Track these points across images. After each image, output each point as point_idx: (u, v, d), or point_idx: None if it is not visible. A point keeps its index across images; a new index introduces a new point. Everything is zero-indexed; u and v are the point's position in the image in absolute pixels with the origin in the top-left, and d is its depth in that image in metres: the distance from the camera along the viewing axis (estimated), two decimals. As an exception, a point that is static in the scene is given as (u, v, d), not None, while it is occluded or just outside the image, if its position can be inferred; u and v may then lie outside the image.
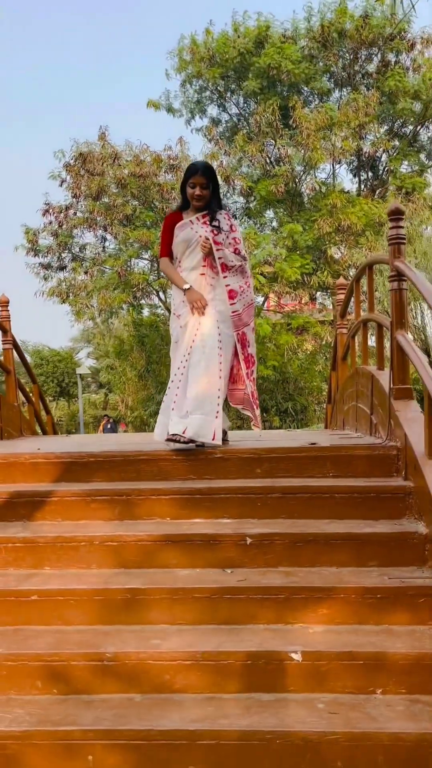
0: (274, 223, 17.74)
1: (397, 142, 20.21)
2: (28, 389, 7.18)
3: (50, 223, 18.00)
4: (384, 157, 20.06)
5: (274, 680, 2.48)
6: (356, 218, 15.11)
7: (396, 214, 3.88)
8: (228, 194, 16.84)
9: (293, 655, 2.50)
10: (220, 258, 3.89)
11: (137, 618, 2.77)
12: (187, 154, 16.05)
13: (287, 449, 3.68)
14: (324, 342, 17.27)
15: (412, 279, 3.52)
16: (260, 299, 18.02)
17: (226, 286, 3.90)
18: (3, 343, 6.48)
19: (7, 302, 6.47)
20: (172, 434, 3.70)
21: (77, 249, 18.34)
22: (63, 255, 18.16)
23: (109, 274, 15.68)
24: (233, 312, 3.92)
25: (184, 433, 3.66)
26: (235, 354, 3.98)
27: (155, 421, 4.29)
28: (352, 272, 15.93)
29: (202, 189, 3.89)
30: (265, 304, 18.59)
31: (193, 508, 3.32)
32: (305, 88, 19.23)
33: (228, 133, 21.51)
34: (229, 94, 21.32)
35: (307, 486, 3.36)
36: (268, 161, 17.85)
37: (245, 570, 2.96)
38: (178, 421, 3.74)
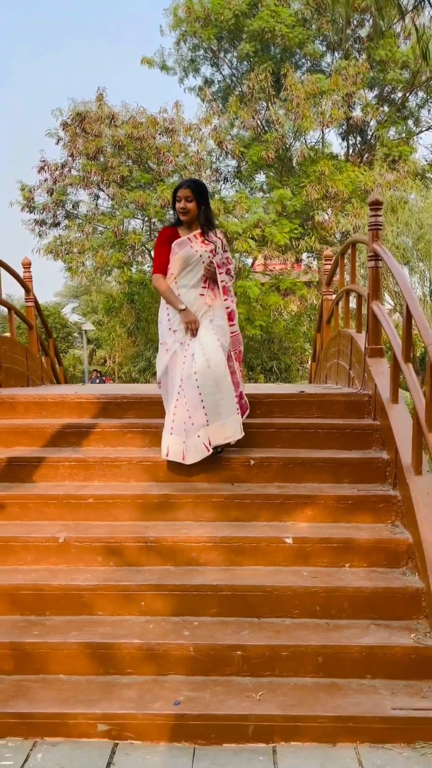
0: (264, 187, 18.32)
1: (386, 108, 20.74)
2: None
3: (45, 180, 18.40)
4: (373, 123, 20.59)
5: (273, 557, 3.43)
6: (343, 186, 15.80)
7: (375, 205, 4.71)
8: (220, 158, 17.35)
9: (286, 540, 3.44)
10: (222, 282, 4.00)
11: (169, 516, 3.70)
12: (182, 116, 16.48)
13: (281, 395, 4.59)
14: (309, 304, 18.10)
15: (386, 260, 4.38)
16: (249, 261, 18.74)
17: (227, 308, 4.04)
18: (26, 301, 7.26)
19: (29, 264, 7.23)
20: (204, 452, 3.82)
21: (70, 206, 18.80)
22: (57, 212, 18.62)
23: (105, 233, 16.26)
24: (233, 333, 4.08)
25: (208, 447, 3.81)
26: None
27: (144, 378, 4.94)
28: (338, 238, 16.70)
29: (186, 201, 3.93)
30: (254, 265, 19.31)
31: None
32: (298, 51, 19.59)
33: (221, 94, 21.84)
34: (222, 54, 21.58)
35: (297, 423, 4.27)
36: (260, 125, 18.33)
37: (249, 484, 3.89)
38: (193, 442, 3.83)
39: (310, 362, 9.26)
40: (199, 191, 3.97)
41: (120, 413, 4.45)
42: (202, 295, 3.99)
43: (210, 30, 19.36)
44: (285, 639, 2.99)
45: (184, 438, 3.83)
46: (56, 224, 18.75)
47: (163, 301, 4.07)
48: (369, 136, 21.33)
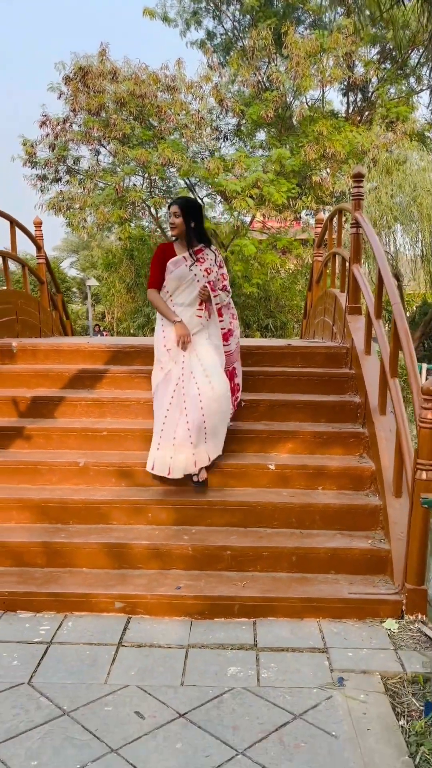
0: (264, 145, 18.51)
1: (387, 65, 20.76)
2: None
3: (47, 135, 18.55)
4: (374, 79, 20.62)
5: (258, 480, 4.09)
6: (340, 146, 16.04)
7: (358, 177, 5.24)
8: (221, 116, 17.51)
9: (270, 466, 4.11)
10: (217, 304, 4.10)
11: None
12: (183, 74, 16.60)
13: (270, 347, 5.20)
14: (305, 263, 18.53)
15: (364, 228, 4.93)
16: (247, 219, 19.06)
17: (222, 328, 4.14)
18: (38, 258, 7.79)
19: (41, 223, 7.73)
20: (187, 474, 3.93)
21: (72, 162, 19.00)
22: (59, 168, 18.82)
23: (106, 189, 16.55)
24: (227, 351, 4.17)
25: (195, 465, 3.91)
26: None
27: (142, 333, 5.41)
28: (335, 199, 17.03)
29: (174, 217, 4.00)
30: (252, 224, 19.64)
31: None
32: (301, 6, 19.51)
33: (222, 47, 21.77)
34: (225, 7, 21.43)
35: (283, 371, 4.90)
36: (261, 82, 18.41)
37: (240, 421, 4.53)
38: (184, 458, 3.90)
39: (302, 319, 9.82)
40: (187, 208, 4.02)
41: (128, 361, 5.07)
42: (200, 316, 4.08)
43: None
44: (266, 542, 3.68)
45: (171, 454, 3.89)
46: (57, 180, 18.97)
47: (158, 320, 4.14)
48: (370, 94, 21.39)
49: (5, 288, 6.67)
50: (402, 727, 2.49)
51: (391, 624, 3.28)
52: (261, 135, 19.69)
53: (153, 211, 18.83)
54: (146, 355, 5.06)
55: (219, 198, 18.23)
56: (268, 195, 15.65)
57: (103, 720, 2.50)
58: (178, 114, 16.25)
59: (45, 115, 18.24)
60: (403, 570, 3.39)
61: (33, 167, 18.73)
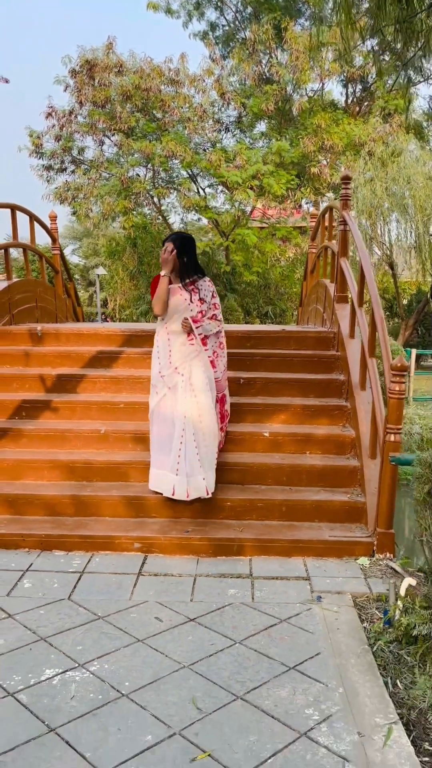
0: (265, 140, 19.04)
1: (386, 57, 21.20)
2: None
3: (53, 126, 19.06)
4: (374, 69, 21.08)
5: (254, 446, 4.76)
6: (338, 139, 16.60)
7: (346, 179, 5.87)
8: (222, 108, 18.02)
9: (265, 434, 4.78)
10: (200, 334, 4.29)
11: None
12: (186, 67, 17.10)
13: (267, 332, 5.86)
14: (303, 252, 19.10)
15: (350, 226, 5.57)
16: (248, 209, 19.63)
17: (208, 357, 4.37)
18: (53, 249, 8.42)
19: (56, 217, 8.34)
20: (175, 496, 4.23)
21: (77, 152, 19.52)
22: (64, 158, 19.35)
23: (111, 180, 17.11)
24: (216, 379, 4.44)
25: (187, 497, 4.21)
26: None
27: (145, 320, 5.96)
28: (332, 193, 17.59)
29: (169, 254, 4.22)
30: (252, 213, 20.20)
31: (208, 363, 5.50)
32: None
33: (224, 39, 22.20)
34: (227, -2, 21.84)
35: (277, 353, 5.56)
36: (262, 75, 18.90)
37: (240, 396, 5.19)
38: (175, 480, 4.22)
39: (298, 307, 10.45)
40: (185, 244, 4.28)
41: (141, 343, 5.72)
42: (192, 344, 4.31)
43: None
44: (260, 496, 4.35)
45: (168, 471, 4.27)
46: (63, 170, 19.51)
47: (154, 348, 4.45)
48: (369, 84, 21.86)
49: (26, 278, 7.31)
50: (365, 628, 3.17)
51: (363, 560, 3.96)
52: (261, 126, 20.21)
53: (156, 200, 19.40)
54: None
55: (220, 188, 18.79)
56: (268, 186, 16.22)
57: (130, 622, 3.19)
58: (182, 107, 16.77)
59: (51, 107, 18.73)
60: (375, 517, 4.07)
61: (39, 158, 19.26)
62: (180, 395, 4.26)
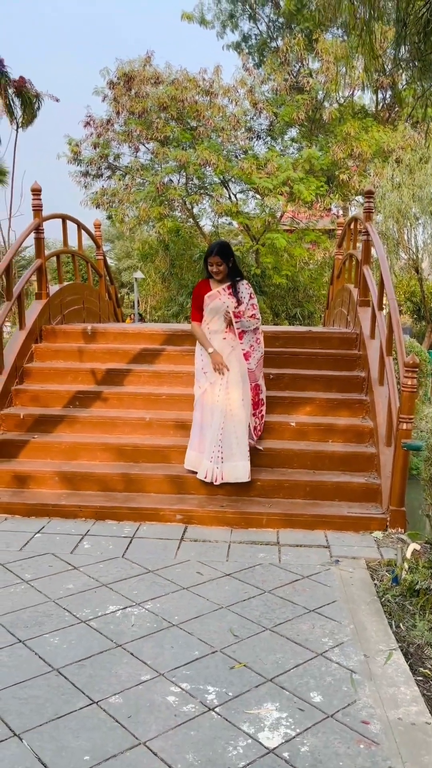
0: (295, 145, 19.58)
1: (416, 63, 21.56)
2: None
3: (91, 134, 19.87)
4: (404, 75, 21.46)
5: (282, 434, 5.33)
6: (367, 146, 17.06)
7: (369, 194, 6.41)
8: (254, 117, 18.60)
9: (291, 424, 5.35)
10: (238, 329, 4.85)
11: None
12: (220, 78, 17.72)
13: (294, 332, 6.43)
14: (332, 255, 19.58)
15: (372, 236, 6.11)
16: (278, 214, 20.17)
17: (242, 350, 4.89)
18: (97, 255, 9.10)
19: (100, 225, 9.02)
20: (207, 479, 4.81)
21: (113, 159, 20.29)
22: (101, 165, 20.14)
23: (147, 187, 17.82)
24: (248, 369, 4.94)
25: (216, 480, 4.79)
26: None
27: (176, 321, 6.57)
28: (360, 199, 18.03)
29: (218, 266, 4.77)
30: (282, 218, 20.74)
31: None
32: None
33: (257, 48, 22.80)
34: (260, 8, 22.44)
35: (304, 352, 6.12)
36: (293, 83, 19.43)
37: (269, 390, 5.74)
38: (205, 464, 4.81)
39: (325, 309, 10.98)
40: (225, 253, 4.80)
41: (180, 342, 6.33)
42: (225, 338, 4.85)
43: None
44: (287, 478, 4.92)
45: (209, 458, 4.81)
46: (99, 176, 20.30)
47: (197, 346, 4.98)
48: (400, 90, 22.24)
49: (75, 281, 7.98)
50: (375, 584, 3.73)
51: (377, 534, 4.51)
52: (292, 133, 20.74)
53: (189, 206, 20.06)
54: (194, 337, 6.34)
55: (252, 194, 19.37)
56: (298, 192, 16.76)
57: (176, 575, 3.79)
58: (215, 117, 17.41)
59: (89, 116, 19.54)
60: (389, 497, 4.61)
61: (77, 164, 20.08)
62: (217, 390, 4.81)
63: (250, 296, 4.90)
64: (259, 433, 5.19)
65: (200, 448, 4.91)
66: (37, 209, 6.56)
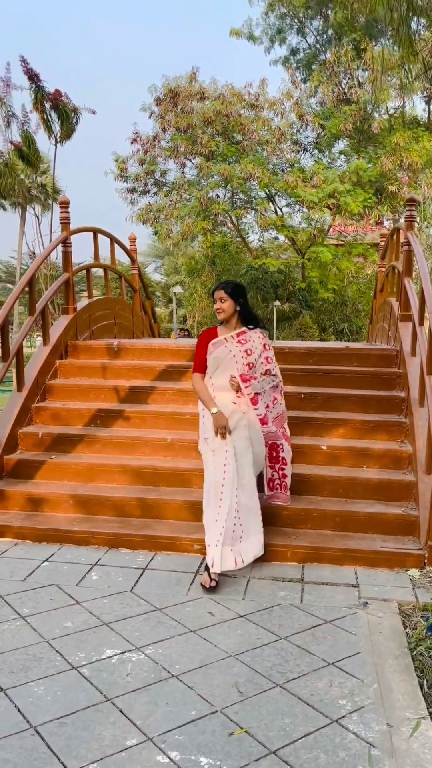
0: (342, 157, 19.21)
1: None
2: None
3: (137, 151, 19.98)
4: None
5: (312, 458, 4.95)
6: (417, 156, 16.53)
7: (411, 202, 5.99)
8: (301, 130, 18.33)
9: (323, 447, 4.96)
10: (249, 394, 3.96)
11: (242, 429, 5.27)
12: (266, 92, 17.55)
13: (329, 348, 6.04)
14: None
15: (413, 246, 5.69)
16: (325, 227, 19.77)
17: (258, 415, 4.02)
18: (132, 269, 8.93)
19: (135, 239, 8.85)
20: (223, 571, 3.84)
21: (159, 175, 20.35)
22: (147, 181, 20.22)
23: (191, 202, 17.74)
24: (265, 432, 4.10)
25: (236, 565, 3.85)
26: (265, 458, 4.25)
27: None
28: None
29: (221, 302, 3.93)
30: (330, 231, 20.33)
31: (272, 378, 5.75)
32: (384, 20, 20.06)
33: (305, 62, 22.58)
34: (309, 22, 22.24)
35: (339, 369, 5.73)
36: (340, 96, 19.09)
37: (300, 411, 5.39)
38: (228, 554, 3.83)
39: (369, 324, 10.53)
40: (233, 291, 3.95)
41: (208, 358, 6.02)
42: (235, 403, 3.93)
43: (300, -1, 20.08)
44: (315, 506, 4.53)
45: (231, 546, 3.87)
46: (146, 192, 20.38)
47: (199, 405, 4.08)
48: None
49: (106, 296, 7.81)
50: (407, 633, 3.31)
51: (413, 572, 4.07)
52: (340, 145, 20.37)
53: (234, 220, 19.88)
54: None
55: (298, 207, 19.05)
56: (345, 205, 16.34)
57: (184, 615, 3.45)
58: (260, 130, 17.22)
59: (136, 133, 19.68)
60: (427, 531, 4.16)
61: (124, 181, 20.22)
62: (221, 459, 3.86)
63: (265, 347, 4.06)
64: (286, 491, 4.42)
65: (208, 525, 3.93)
66: (65, 222, 6.40)
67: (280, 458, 4.37)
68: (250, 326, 4.05)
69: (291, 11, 21.26)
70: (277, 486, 4.42)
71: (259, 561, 4.20)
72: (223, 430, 3.84)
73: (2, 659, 2.98)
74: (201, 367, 4.05)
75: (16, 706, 2.62)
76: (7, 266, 40.30)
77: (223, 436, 3.85)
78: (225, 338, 3.99)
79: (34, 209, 20.71)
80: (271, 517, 4.50)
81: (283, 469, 4.39)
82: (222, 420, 3.85)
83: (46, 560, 4.19)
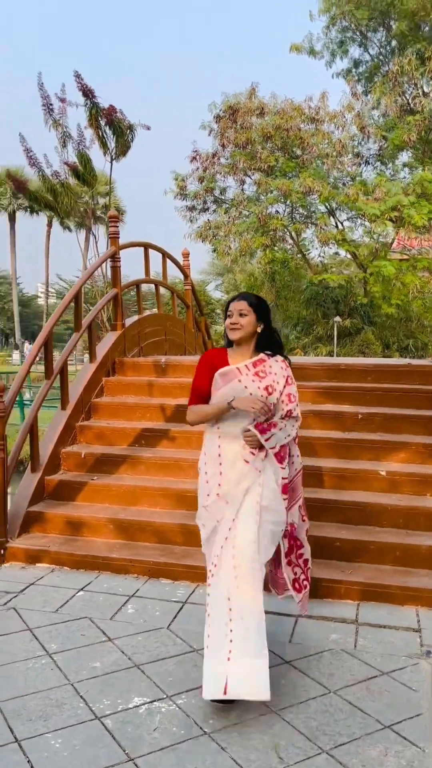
0: (406, 169, 18.66)
1: None
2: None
3: (197, 169, 20.01)
4: None
5: (369, 485, 4.56)
6: None
7: None
8: (362, 142, 17.94)
9: (381, 472, 4.56)
10: (272, 448, 2.82)
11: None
12: (327, 104, 17.27)
13: (389, 365, 5.64)
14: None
15: None
16: (388, 240, 19.20)
17: (283, 477, 2.89)
18: (185, 285, 8.75)
19: (188, 254, 8.68)
20: (212, 698, 2.66)
21: (218, 192, 20.30)
22: (207, 198, 20.20)
23: (250, 218, 17.57)
24: (287, 504, 2.95)
25: (225, 692, 2.59)
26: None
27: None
28: None
29: (239, 316, 2.89)
30: (393, 245, 19.73)
31: (326, 397, 5.40)
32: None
33: (367, 74, 22.21)
34: (371, 34, 21.89)
35: (399, 388, 5.32)
36: (404, 107, 18.60)
37: (357, 432, 5.01)
38: (218, 671, 2.65)
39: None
40: (258, 306, 2.94)
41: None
42: (247, 462, 2.83)
43: (363, 11, 19.78)
44: (373, 538, 4.14)
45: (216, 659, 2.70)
46: (205, 209, 20.36)
47: (201, 455, 3.01)
48: None
49: (156, 312, 7.64)
50: None
51: None
52: (404, 157, 19.82)
53: (294, 236, 19.58)
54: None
55: (359, 221, 18.59)
56: (409, 217, 15.80)
57: (223, 658, 3.13)
58: (320, 143, 16.92)
59: (195, 151, 19.71)
60: None
61: (183, 199, 20.26)
62: (223, 531, 2.82)
63: (287, 380, 2.96)
64: (306, 596, 3.17)
65: (214, 638, 2.77)
66: (114, 237, 6.27)
67: (303, 557, 3.17)
68: (269, 353, 2.98)
69: (353, 23, 20.99)
70: (304, 586, 3.16)
71: (309, 596, 3.84)
72: (260, 405, 2.76)
73: (22, 703, 2.74)
74: (198, 397, 2.97)
75: (29, 761, 2.36)
76: (71, 285, 41.30)
77: (267, 411, 2.78)
78: (238, 368, 2.90)
79: (98, 229, 21.05)
80: (323, 549, 4.13)
81: (306, 568, 3.18)
82: (247, 400, 2.79)
83: (82, 589, 3.96)
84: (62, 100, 8.73)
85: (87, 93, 8.51)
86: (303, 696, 2.82)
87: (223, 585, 2.77)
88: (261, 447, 2.83)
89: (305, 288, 20.34)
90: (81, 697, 2.79)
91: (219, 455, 2.90)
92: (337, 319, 19.63)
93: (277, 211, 18.81)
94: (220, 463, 2.89)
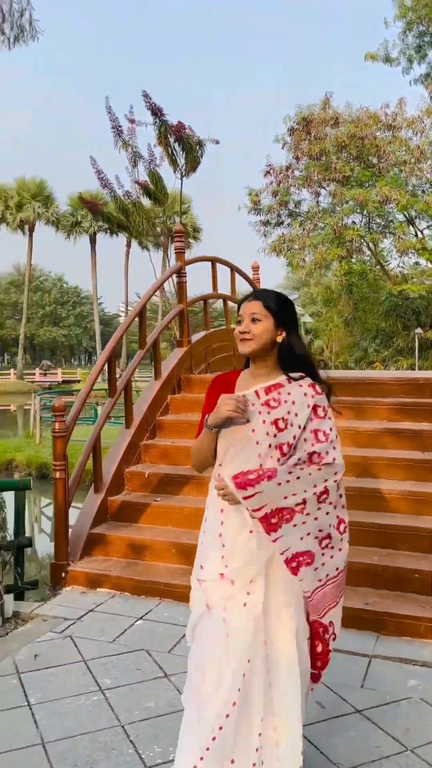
0: None
1: None
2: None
3: (271, 183, 19.89)
4: None
5: (452, 510, 4.16)
6: None
7: None
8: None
9: (465, 497, 4.16)
10: (256, 511, 1.99)
11: (368, 473, 4.60)
12: (404, 110, 16.77)
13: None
14: None
15: None
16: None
17: (304, 591, 2.12)
18: (255, 299, 8.54)
19: (258, 267, 8.48)
20: None
21: (293, 205, 20.08)
22: (281, 212, 20.02)
23: (325, 230, 17.24)
24: (305, 593, 2.13)
25: None
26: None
27: (358, 367, 4.41)
28: None
29: (251, 321, 2.12)
30: None
31: (403, 414, 5.03)
32: None
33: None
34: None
35: None
36: None
37: (429, 452, 4.63)
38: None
39: None
40: (277, 307, 2.14)
41: (334, 392, 5.42)
42: (252, 531, 2.06)
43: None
44: (456, 570, 3.75)
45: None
46: (279, 223, 20.19)
47: (204, 524, 2.28)
48: None
49: (225, 327, 7.47)
50: None
51: None
52: None
53: (371, 246, 19.06)
54: (347, 386, 5.41)
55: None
56: None
57: (287, 703, 2.86)
58: (397, 151, 16.42)
59: (269, 165, 19.62)
60: None
61: (257, 214, 20.17)
62: (240, 602, 2.11)
63: (315, 412, 2.13)
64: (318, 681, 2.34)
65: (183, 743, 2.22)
66: (180, 252, 6.17)
67: (327, 661, 2.29)
68: (292, 374, 2.15)
69: (430, 27, 20.38)
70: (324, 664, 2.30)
71: (386, 633, 3.52)
72: (236, 406, 2.03)
73: (71, 745, 2.58)
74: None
75: None
76: (149, 304, 42.01)
77: (239, 411, 2.03)
78: (245, 395, 2.12)
79: (172, 248, 21.25)
80: (400, 582, 3.80)
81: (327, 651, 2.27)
82: (221, 406, 2.06)
83: (141, 618, 3.78)
84: (131, 121, 8.80)
85: (155, 111, 8.54)
86: (375, 754, 2.50)
87: (236, 665, 2.07)
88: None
89: (384, 299, 19.72)
90: (131, 741, 2.60)
91: (221, 516, 2.11)
92: (419, 330, 18.89)
93: (353, 222, 18.38)
94: (221, 531, 2.12)
